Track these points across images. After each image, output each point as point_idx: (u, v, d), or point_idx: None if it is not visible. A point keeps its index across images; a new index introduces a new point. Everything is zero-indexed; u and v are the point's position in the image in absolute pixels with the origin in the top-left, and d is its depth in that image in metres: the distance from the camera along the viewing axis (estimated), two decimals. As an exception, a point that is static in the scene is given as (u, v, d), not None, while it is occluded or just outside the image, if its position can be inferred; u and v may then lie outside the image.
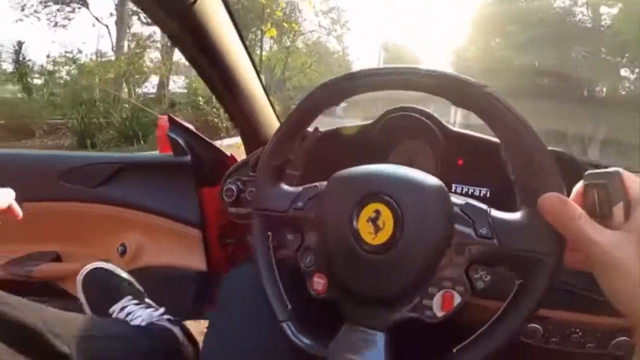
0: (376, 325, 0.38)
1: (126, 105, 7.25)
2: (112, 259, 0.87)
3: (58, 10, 10.38)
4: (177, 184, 0.86)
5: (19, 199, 0.53)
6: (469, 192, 0.62)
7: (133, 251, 0.86)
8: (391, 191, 0.37)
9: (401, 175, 0.39)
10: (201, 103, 7.28)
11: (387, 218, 0.36)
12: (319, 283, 0.41)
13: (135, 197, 0.86)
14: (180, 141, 0.84)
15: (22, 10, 9.95)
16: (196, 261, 0.84)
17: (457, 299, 0.36)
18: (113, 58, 9.20)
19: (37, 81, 8.54)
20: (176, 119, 0.86)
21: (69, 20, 10.49)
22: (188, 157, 0.84)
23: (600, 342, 0.51)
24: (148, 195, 0.86)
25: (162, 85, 9.96)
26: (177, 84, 10.22)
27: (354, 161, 0.66)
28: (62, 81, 8.54)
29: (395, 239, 0.36)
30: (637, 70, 9.62)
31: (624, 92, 9.90)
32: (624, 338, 0.50)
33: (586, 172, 0.31)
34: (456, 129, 0.62)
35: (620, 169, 0.29)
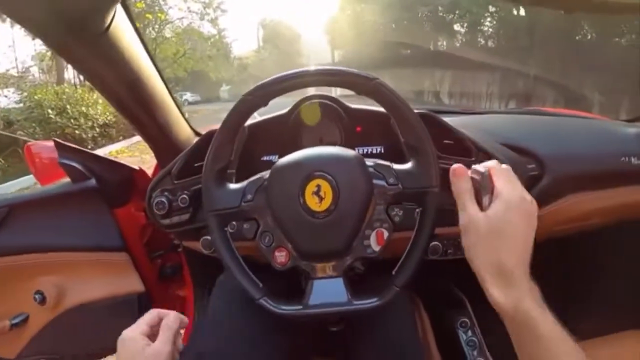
0: (334, 272, 0.49)
1: (-61, 136, 5.62)
2: (31, 310, 0.78)
3: None
4: (86, 213, 0.79)
5: None
6: (369, 151, 0.75)
7: (54, 296, 0.78)
8: (326, 168, 0.47)
9: (330, 154, 0.50)
10: (52, 116, 6.10)
11: (327, 189, 0.47)
12: (281, 256, 0.49)
13: (38, 239, 0.77)
14: (77, 166, 0.77)
15: None
16: (132, 284, 0.81)
17: (386, 234, 0.49)
18: None
19: None
20: (64, 143, 0.78)
21: None
22: (92, 182, 0.78)
23: None
24: (54, 233, 0.77)
25: (-13, 102, 7.90)
26: (9, 98, 8.20)
27: (278, 148, 0.73)
28: None
29: (336, 203, 0.46)
30: (465, 24, 11.59)
31: (458, 44, 11.89)
32: None
33: (472, 167, 0.44)
34: (353, 105, 0.74)
35: (492, 163, 0.43)
